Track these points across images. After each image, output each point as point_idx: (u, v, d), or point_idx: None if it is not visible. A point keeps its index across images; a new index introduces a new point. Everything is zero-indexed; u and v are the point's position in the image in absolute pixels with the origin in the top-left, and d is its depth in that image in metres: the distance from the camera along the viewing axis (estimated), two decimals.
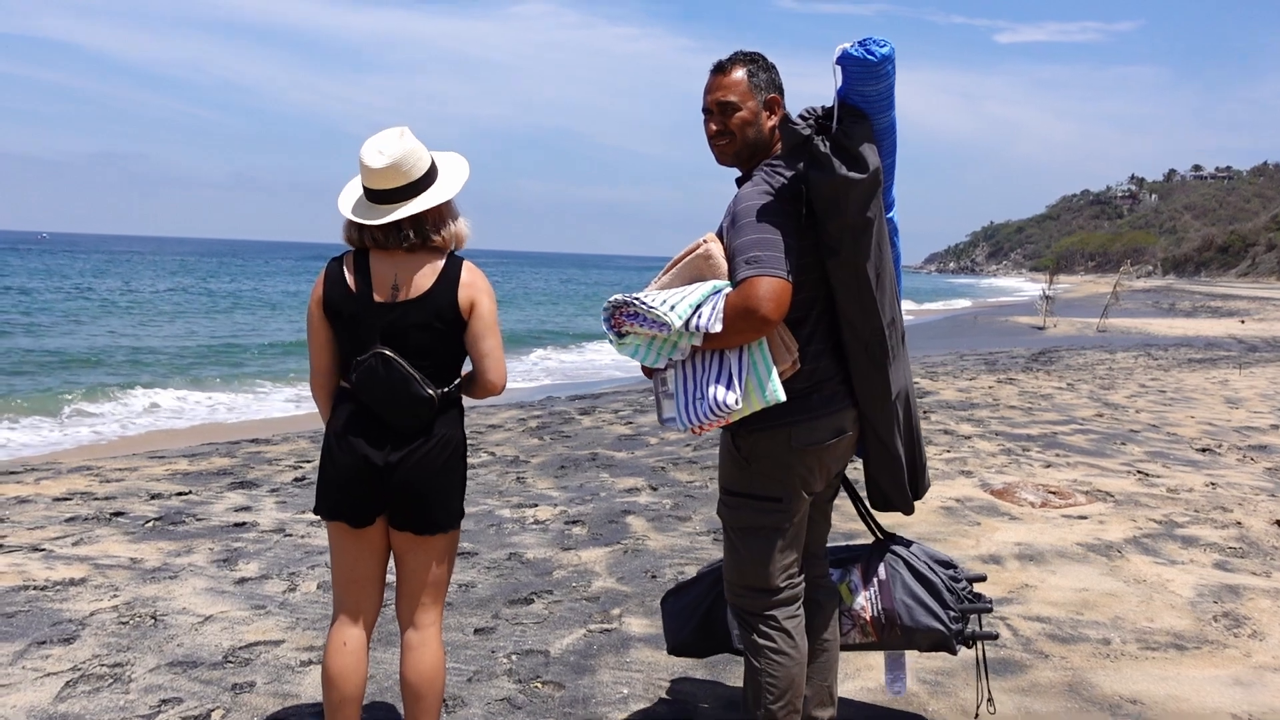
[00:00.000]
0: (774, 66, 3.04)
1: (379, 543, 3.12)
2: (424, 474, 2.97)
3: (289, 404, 14.34)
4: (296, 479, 7.21)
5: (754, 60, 3.05)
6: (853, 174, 2.75)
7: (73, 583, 4.88)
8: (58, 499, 6.49)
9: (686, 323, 2.77)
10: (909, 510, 3.33)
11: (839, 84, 2.82)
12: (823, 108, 2.90)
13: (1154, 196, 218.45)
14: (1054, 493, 7.07)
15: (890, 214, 3.12)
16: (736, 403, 2.75)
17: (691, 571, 5.23)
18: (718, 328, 2.74)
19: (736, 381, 2.79)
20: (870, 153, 2.80)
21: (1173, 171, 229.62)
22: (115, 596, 4.70)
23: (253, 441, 8.81)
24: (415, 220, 2.98)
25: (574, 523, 6.18)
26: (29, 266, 66.64)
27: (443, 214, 3.04)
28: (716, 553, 5.58)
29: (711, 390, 2.79)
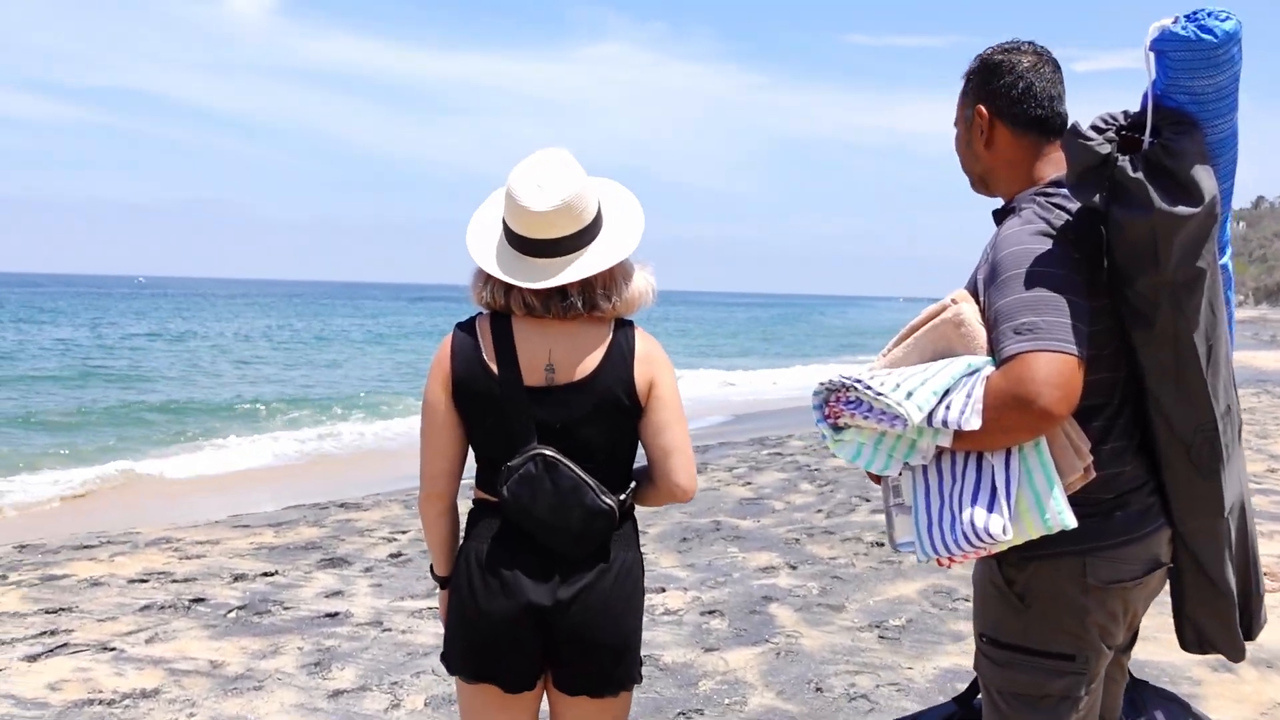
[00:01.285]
0: (996, 65, 2.20)
1: (533, 707, 2.34)
2: (605, 616, 2.19)
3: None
4: (391, 555, 6.48)
5: (974, 62, 2.24)
6: (1179, 208, 1.89)
7: (144, 694, 4.18)
8: (133, 580, 5.85)
9: (930, 415, 1.93)
10: (1239, 655, 2.42)
11: (1154, 78, 1.97)
12: (1127, 113, 2.05)
13: (1242, 224, 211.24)
14: (1266, 573, 6.03)
15: (1223, 259, 2.24)
16: (1004, 531, 1.89)
17: (865, 684, 4.35)
18: (975, 423, 1.89)
19: (1003, 499, 1.92)
20: (1204, 176, 1.93)
21: (1261, 198, 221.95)
22: (192, 716, 3.98)
23: (342, 506, 8.14)
24: (585, 282, 2.22)
25: (711, 613, 5.33)
26: (149, 309, 68.30)
27: (615, 273, 2.27)
28: (886, 654, 4.69)
29: (968, 512, 1.93)
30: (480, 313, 2.30)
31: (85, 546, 6.61)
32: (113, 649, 4.73)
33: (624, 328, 2.25)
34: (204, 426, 17.11)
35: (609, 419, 2.20)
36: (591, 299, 2.20)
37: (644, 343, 2.24)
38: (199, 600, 5.47)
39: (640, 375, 2.20)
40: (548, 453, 2.16)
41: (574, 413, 2.19)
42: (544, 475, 2.15)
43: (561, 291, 2.19)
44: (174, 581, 5.82)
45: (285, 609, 5.37)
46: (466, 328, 2.28)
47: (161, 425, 17.27)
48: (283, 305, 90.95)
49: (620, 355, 2.20)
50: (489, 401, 2.21)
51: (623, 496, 2.22)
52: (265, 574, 6.02)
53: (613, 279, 2.23)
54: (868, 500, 8.15)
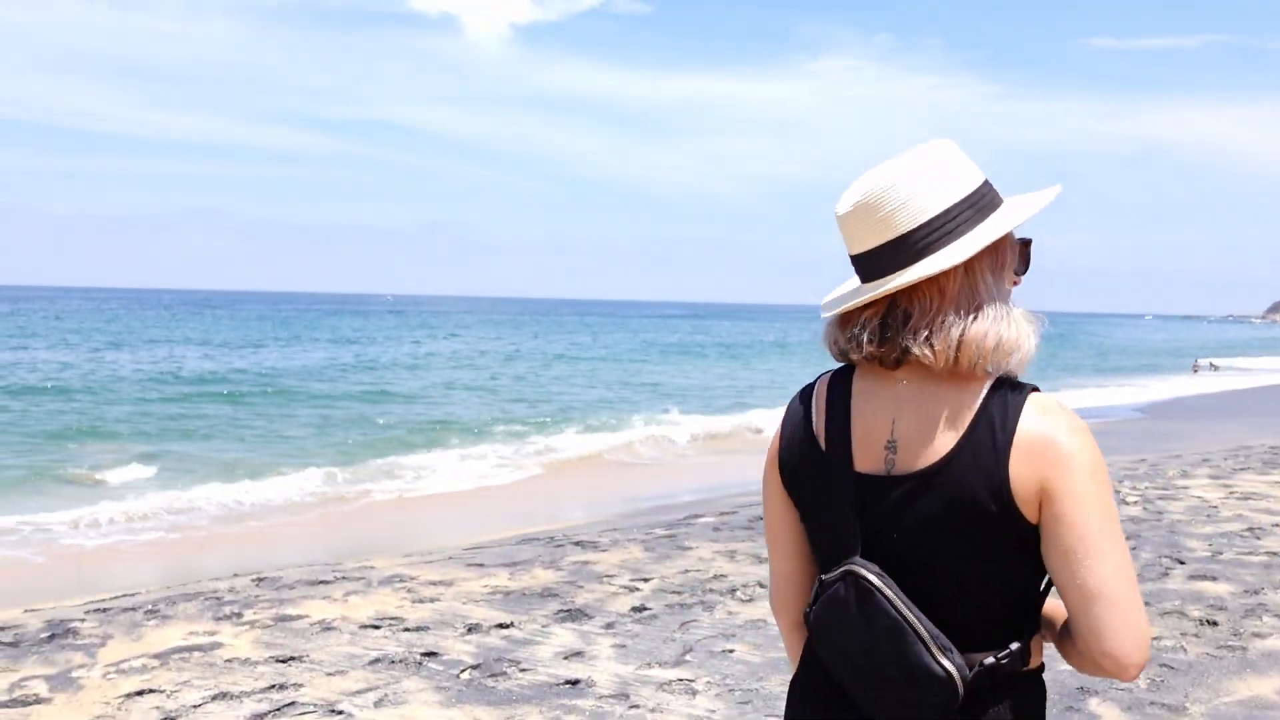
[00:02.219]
0: None
1: None
2: None
3: None
4: (634, 609, 5.85)
5: None
6: None
7: None
8: (364, 626, 5.48)
9: None
10: None
11: None
12: None
13: None
14: None
15: None
16: None
17: None
18: None
19: None
20: None
21: None
22: None
23: (578, 545, 7.60)
24: (896, 310, 1.48)
25: None
26: (410, 326, 72.13)
27: (942, 294, 1.48)
28: None
29: None
30: (833, 369, 1.57)
31: (320, 582, 6.34)
32: (340, 711, 4.31)
33: (1005, 391, 1.44)
34: (438, 440, 17.42)
35: (968, 532, 1.40)
36: (900, 336, 1.44)
37: (1039, 418, 1.41)
38: (431, 655, 5.01)
39: (1021, 470, 1.38)
40: (864, 573, 1.40)
41: (915, 517, 1.42)
42: (853, 603, 1.42)
43: (882, 325, 1.45)
44: (406, 630, 5.41)
45: (522, 671, 4.83)
46: (807, 388, 1.56)
47: (405, 439, 17.67)
48: (528, 323, 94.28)
49: (988, 435, 1.40)
50: (814, 489, 1.49)
51: (991, 659, 1.42)
52: (501, 625, 5.52)
53: (936, 306, 1.44)
54: (1181, 563, 6.87)
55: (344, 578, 6.46)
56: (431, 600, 5.96)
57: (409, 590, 6.16)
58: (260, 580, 6.41)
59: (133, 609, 5.76)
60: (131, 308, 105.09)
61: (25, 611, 6.01)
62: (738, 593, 6.11)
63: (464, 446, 16.60)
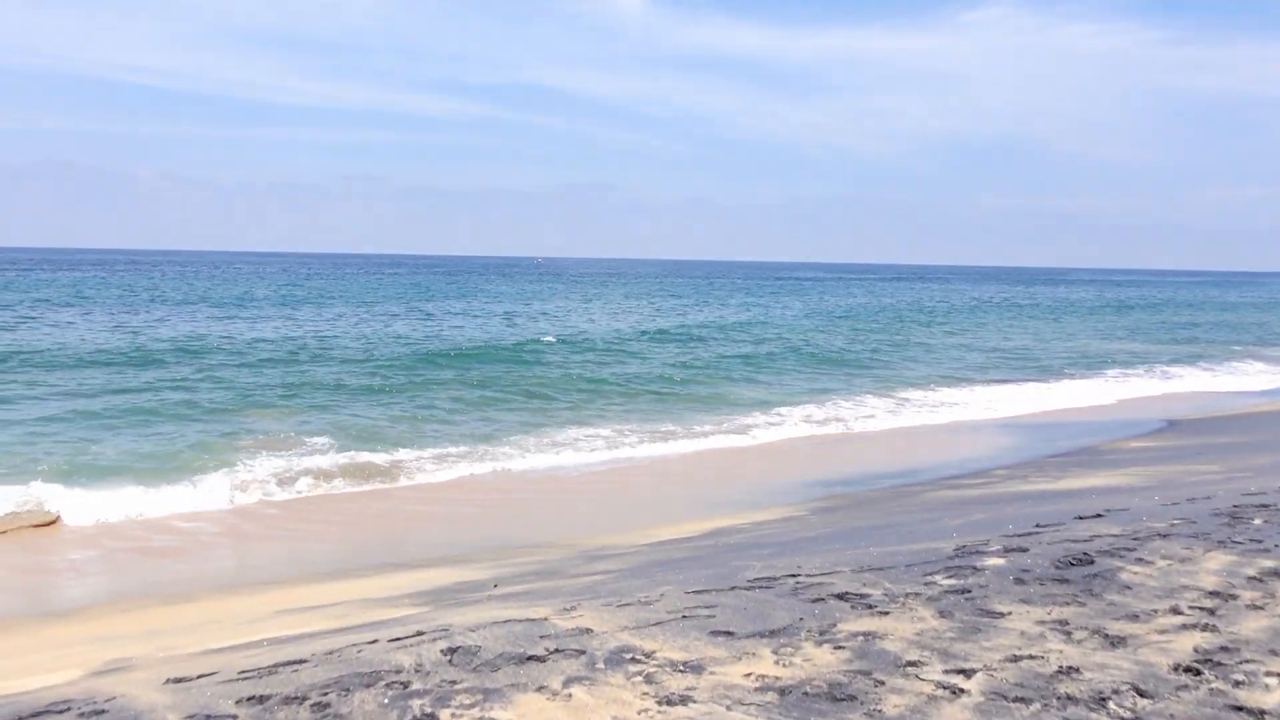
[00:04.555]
0: None
1: None
2: None
3: None
4: None
5: None
6: None
7: None
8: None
9: None
10: None
11: None
12: None
13: None
14: None
15: None
16: None
17: None
18: None
19: None
20: None
21: None
22: None
23: (843, 600, 5.90)
24: None
25: None
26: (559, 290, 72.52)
27: None
28: None
29: None
30: None
31: (530, 658, 4.86)
32: None
33: None
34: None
35: None
36: None
37: None
38: None
39: None
40: None
41: None
42: None
43: None
44: None
45: None
46: None
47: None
48: (724, 285, 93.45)
49: None
50: None
51: None
52: None
53: None
54: None
55: (557, 650, 4.97)
56: (683, 699, 4.39)
57: (647, 679, 4.61)
58: (452, 652, 4.97)
59: (298, 698, 4.40)
60: (324, 270, 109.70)
61: None
62: (1110, 705, 4.32)
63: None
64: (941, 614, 5.49)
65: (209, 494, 12.84)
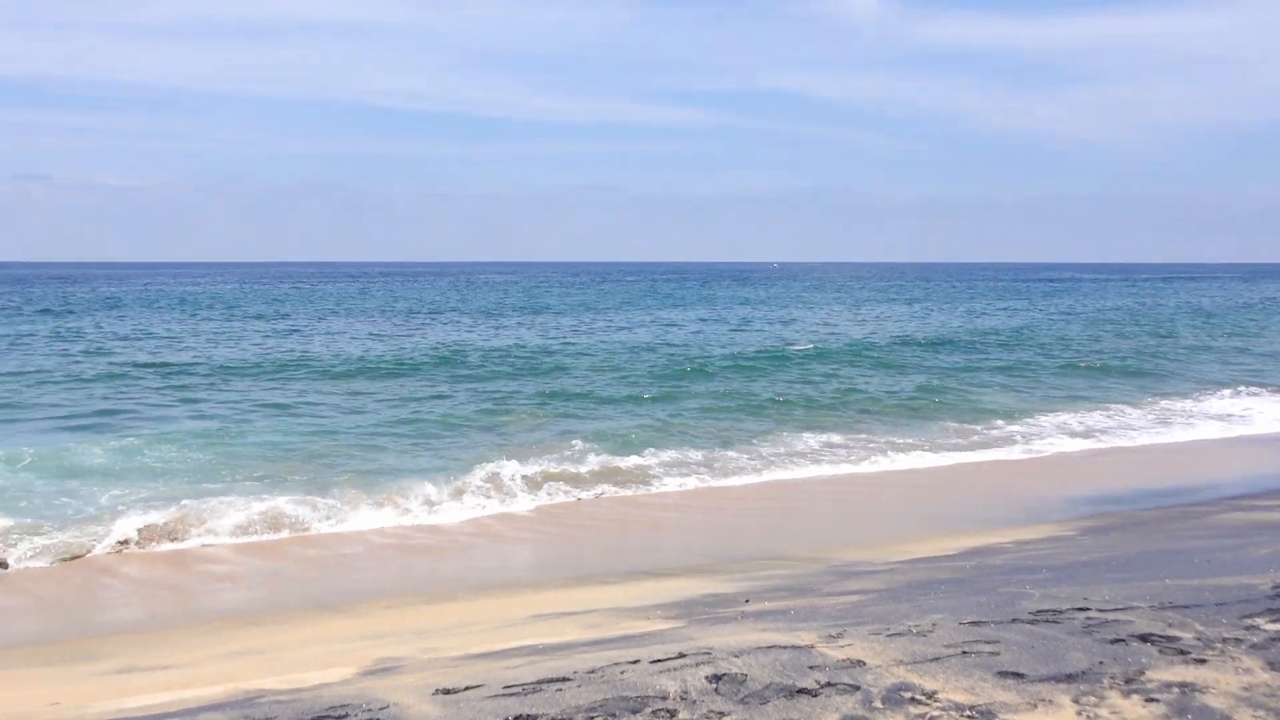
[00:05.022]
0: None
1: None
2: None
3: None
4: None
5: None
6: None
7: None
8: None
9: None
10: None
11: None
12: None
13: None
14: None
15: None
16: None
17: None
18: None
19: None
20: None
21: None
22: None
23: (1147, 642, 5.27)
24: None
25: None
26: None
27: None
28: None
29: None
30: None
31: (802, 691, 4.57)
32: None
33: None
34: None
35: None
36: None
37: None
38: None
39: None
40: None
41: None
42: None
43: None
44: None
45: None
46: None
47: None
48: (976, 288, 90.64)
49: None
50: None
51: None
52: None
53: None
54: None
55: (829, 684, 4.65)
56: None
57: None
58: (718, 680, 4.75)
59: None
60: (564, 278, 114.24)
61: None
62: None
63: None
64: (1272, 666, 4.78)
65: (467, 496, 13.32)
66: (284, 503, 12.31)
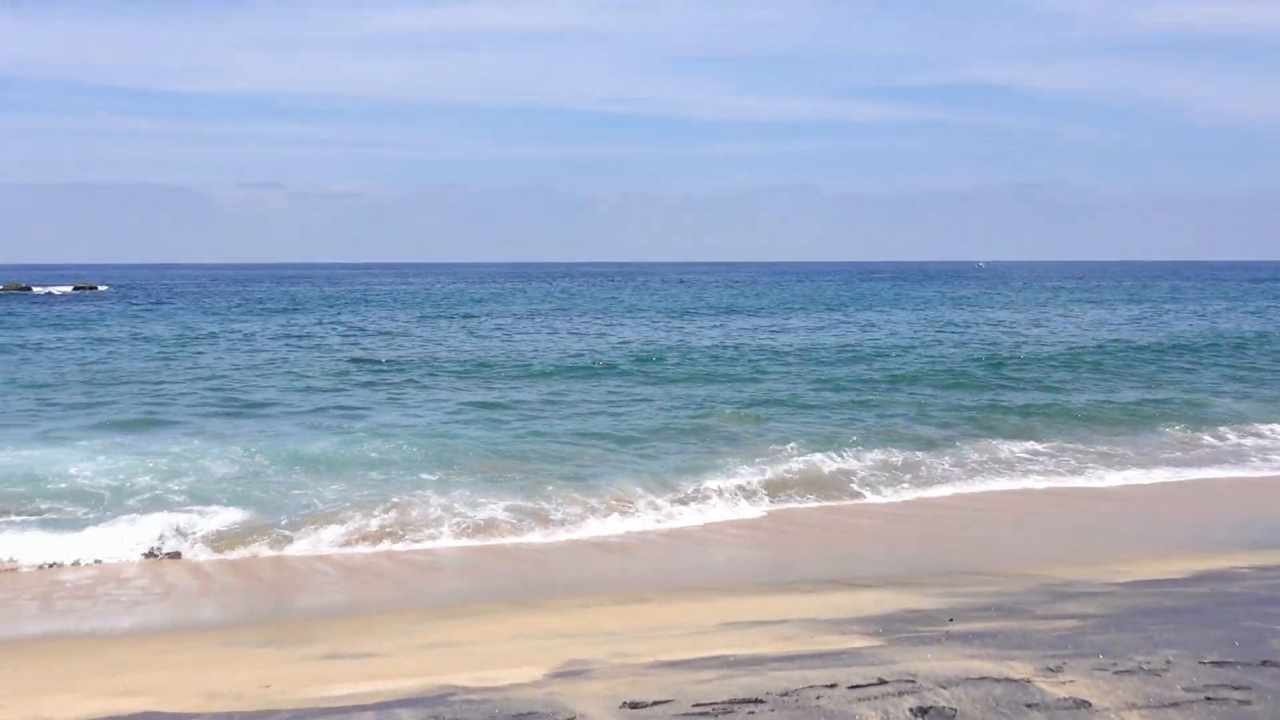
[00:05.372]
0: None
1: None
2: None
3: None
4: None
5: None
6: None
7: None
8: None
9: None
10: None
11: None
12: None
13: None
14: None
15: None
16: None
17: None
18: None
19: None
20: None
21: None
22: None
23: None
24: None
25: None
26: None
27: None
28: None
29: None
30: None
31: None
32: None
33: None
34: None
35: None
36: None
37: None
38: None
39: None
40: None
41: None
42: None
43: None
44: None
45: None
46: None
47: None
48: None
49: None
50: None
51: None
52: None
53: None
54: None
55: None
56: None
57: None
58: (923, 714, 4.40)
59: None
60: (759, 278, 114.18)
61: None
62: None
63: None
64: None
65: (670, 500, 13.26)
66: (500, 509, 12.40)
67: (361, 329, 41.41)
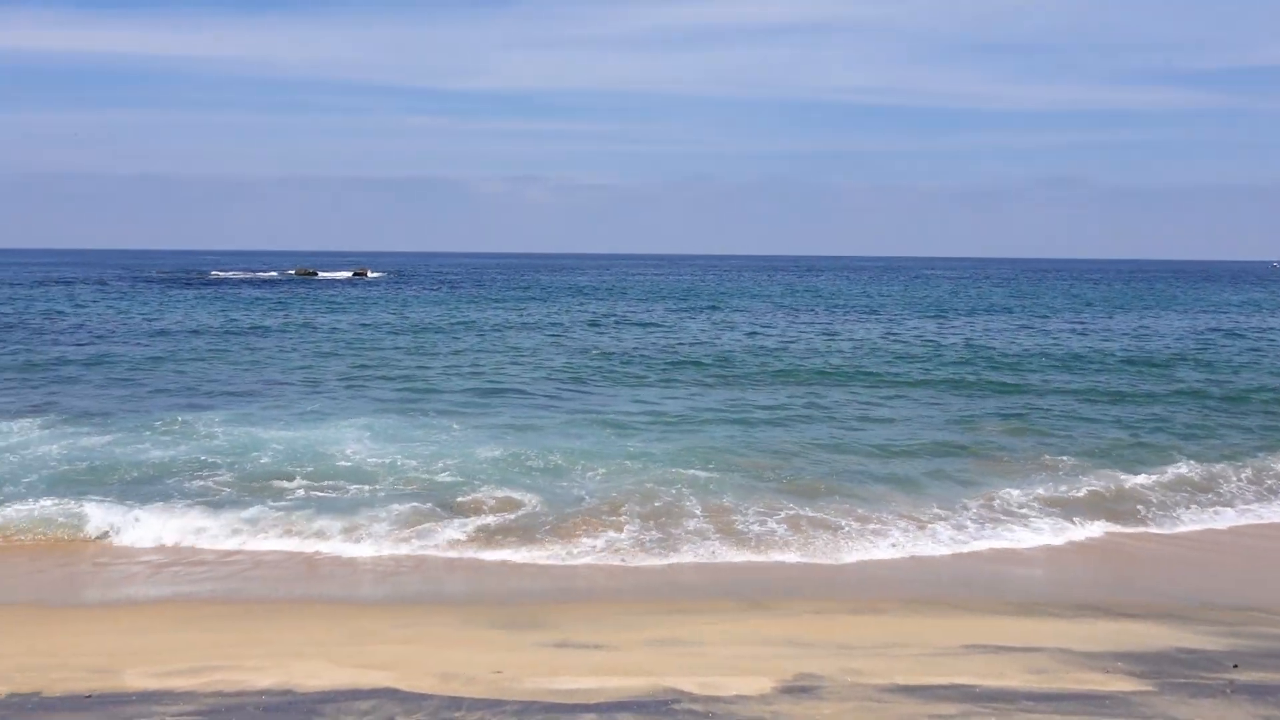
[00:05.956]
0: None
1: None
2: None
3: None
4: None
5: None
6: None
7: None
8: None
9: None
10: None
11: None
12: None
13: None
14: None
15: None
16: None
17: None
18: None
19: None
20: None
21: None
22: None
23: None
24: None
25: None
26: None
27: None
28: None
29: None
30: None
31: None
32: None
33: None
34: None
35: None
36: None
37: None
38: None
39: None
40: None
41: None
42: None
43: None
44: None
45: None
46: None
47: None
48: None
49: None
50: None
51: None
52: None
53: None
54: None
55: None
56: None
57: None
58: None
59: None
60: (1015, 275, 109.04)
61: None
62: None
63: None
64: None
65: (923, 508, 12.55)
66: (768, 518, 11.83)
67: (610, 319, 42.41)
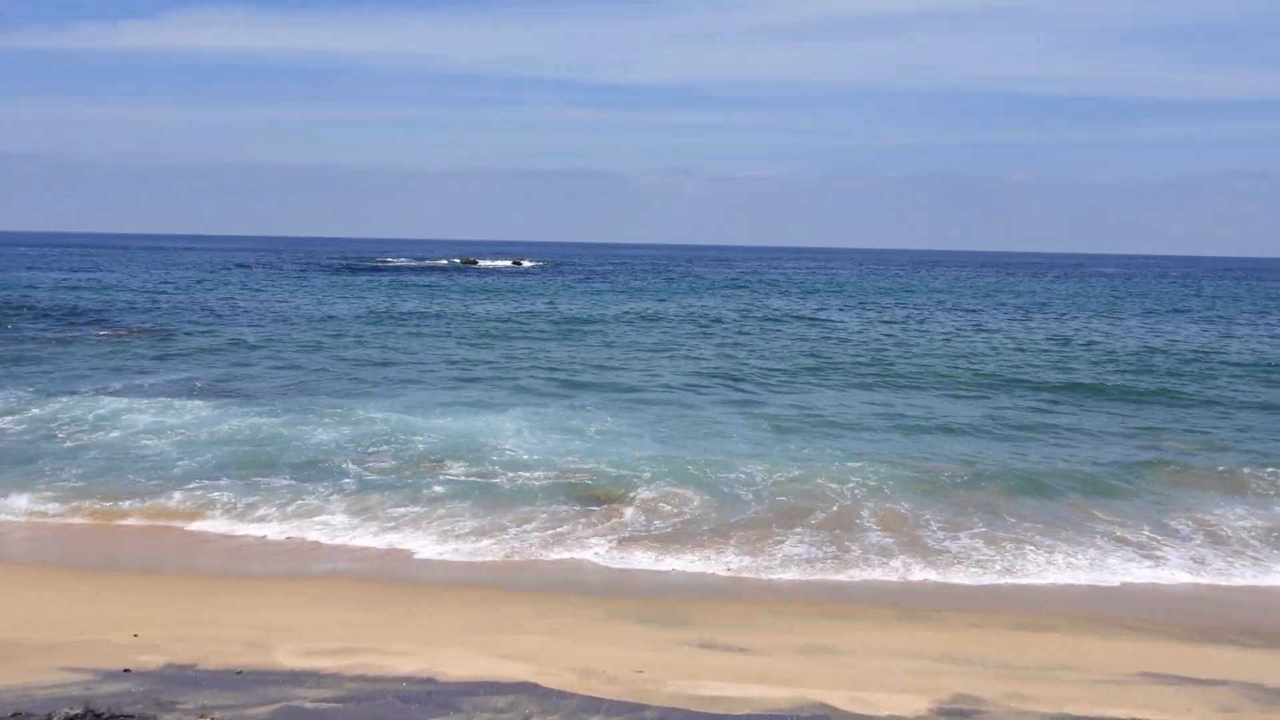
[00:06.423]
0: None
1: None
2: None
3: None
4: None
5: None
6: None
7: None
8: None
9: None
10: None
11: None
12: None
13: None
14: None
15: None
16: None
17: None
18: None
19: None
20: None
21: None
22: None
23: None
24: None
25: None
26: None
27: None
28: None
29: None
30: None
31: None
32: None
33: None
34: None
35: None
36: None
37: None
38: None
39: None
40: None
41: None
42: None
43: None
44: None
45: None
46: None
47: None
48: None
49: None
50: None
51: None
52: None
53: None
54: None
55: None
56: None
57: None
58: None
59: None
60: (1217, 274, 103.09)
61: None
62: None
63: None
64: None
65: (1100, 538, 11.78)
66: (956, 535, 11.18)
67: (762, 312, 41.89)
